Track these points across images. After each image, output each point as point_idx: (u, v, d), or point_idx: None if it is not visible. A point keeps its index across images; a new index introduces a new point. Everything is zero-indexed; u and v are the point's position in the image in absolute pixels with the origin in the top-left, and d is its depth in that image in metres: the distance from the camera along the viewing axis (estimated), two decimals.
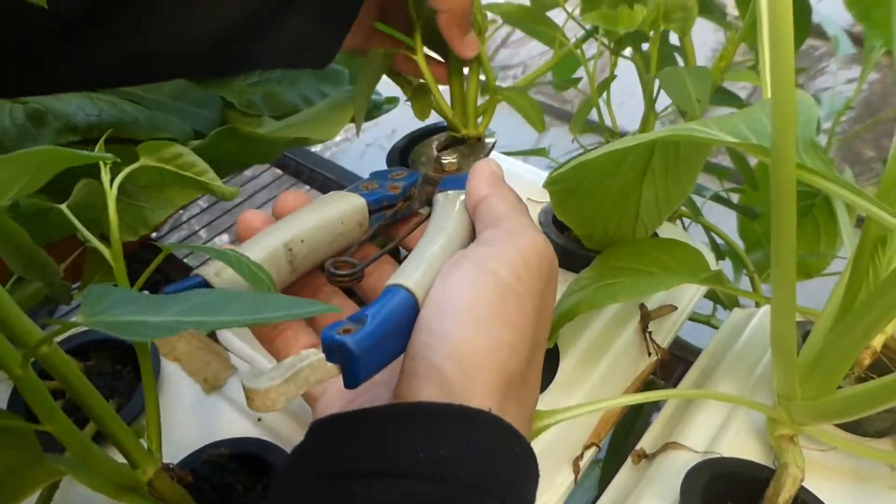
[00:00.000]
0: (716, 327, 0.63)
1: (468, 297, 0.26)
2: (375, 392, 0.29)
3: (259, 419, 0.44)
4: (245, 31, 0.41)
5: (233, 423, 0.44)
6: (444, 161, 0.42)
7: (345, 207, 0.33)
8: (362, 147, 1.87)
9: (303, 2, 0.41)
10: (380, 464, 0.23)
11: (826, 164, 0.35)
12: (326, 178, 0.81)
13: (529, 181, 0.61)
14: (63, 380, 0.27)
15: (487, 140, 0.49)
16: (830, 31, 0.78)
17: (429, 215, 0.36)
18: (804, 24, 0.51)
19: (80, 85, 0.46)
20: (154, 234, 0.81)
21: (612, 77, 0.54)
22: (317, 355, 0.25)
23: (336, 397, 0.31)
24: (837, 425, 0.42)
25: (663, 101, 0.51)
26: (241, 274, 0.30)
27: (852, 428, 0.42)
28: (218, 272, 0.29)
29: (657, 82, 0.48)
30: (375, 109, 0.73)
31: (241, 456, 0.41)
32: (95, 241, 0.31)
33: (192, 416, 0.44)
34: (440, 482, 0.22)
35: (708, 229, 0.61)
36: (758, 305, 0.51)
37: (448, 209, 0.33)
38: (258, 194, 0.92)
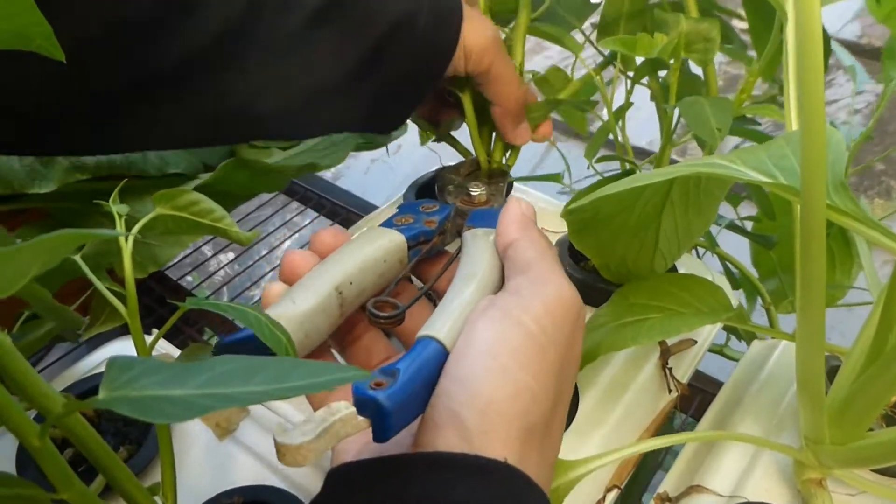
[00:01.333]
0: (731, 357, 0.62)
1: (492, 344, 0.26)
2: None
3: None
4: (319, 99, 0.41)
5: (246, 470, 0.43)
6: (472, 193, 0.41)
7: (387, 245, 0.33)
8: (367, 163, 1.86)
9: (380, 76, 0.41)
10: None
11: (856, 205, 0.34)
12: (335, 205, 0.81)
13: (543, 209, 0.60)
14: (82, 445, 0.26)
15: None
16: (847, 61, 0.78)
17: (459, 252, 0.35)
18: (825, 57, 0.50)
19: (152, 145, 0.46)
20: None
21: (629, 105, 0.53)
22: (348, 409, 0.25)
23: (354, 438, 0.30)
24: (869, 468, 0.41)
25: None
26: (261, 335, 0.29)
27: (883, 469, 0.41)
28: (278, 319, 0.29)
29: (675, 111, 0.48)
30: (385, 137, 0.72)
31: None
32: (114, 300, 0.30)
33: (205, 463, 0.43)
34: None
35: (723, 259, 0.60)
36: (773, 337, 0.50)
37: (478, 251, 0.33)
38: (272, 218, 0.92)
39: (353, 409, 0.25)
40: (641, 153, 0.64)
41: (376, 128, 0.46)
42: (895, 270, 0.35)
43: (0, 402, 0.24)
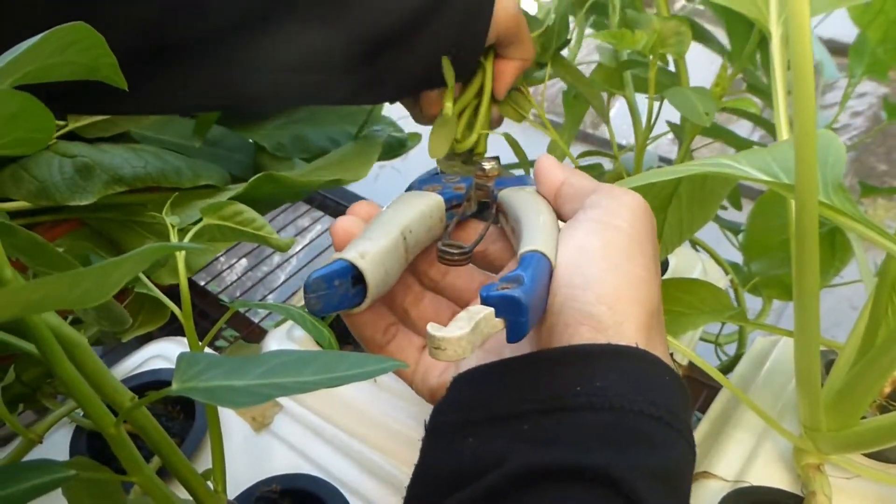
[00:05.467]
0: (720, 345, 0.66)
1: (598, 248, 0.28)
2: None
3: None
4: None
5: (282, 460, 0.46)
6: (486, 167, 0.43)
7: (430, 203, 0.34)
8: (376, 169, 1.89)
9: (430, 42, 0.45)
10: (540, 403, 0.24)
11: (853, 205, 0.37)
12: (343, 207, 0.84)
13: None
14: (148, 437, 0.30)
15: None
16: (816, 54, 0.82)
17: (497, 211, 0.36)
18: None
19: (183, 106, 0.48)
20: None
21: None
22: (487, 309, 0.25)
23: (434, 371, 0.32)
24: (863, 453, 0.44)
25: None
26: (305, 328, 0.33)
27: (877, 455, 0.43)
28: (363, 254, 0.30)
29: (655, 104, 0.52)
30: (400, 147, 0.75)
31: (293, 491, 0.43)
32: (172, 305, 0.33)
33: (243, 454, 0.46)
34: (601, 410, 0.24)
35: (695, 243, 0.65)
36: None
37: (524, 197, 0.34)
38: (278, 218, 0.96)
39: (491, 309, 0.25)
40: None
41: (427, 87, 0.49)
42: (883, 269, 0.38)
43: (83, 397, 0.27)
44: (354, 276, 0.29)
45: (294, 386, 0.26)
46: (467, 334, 0.24)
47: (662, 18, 0.51)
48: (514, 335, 0.26)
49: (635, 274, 0.27)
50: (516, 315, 0.26)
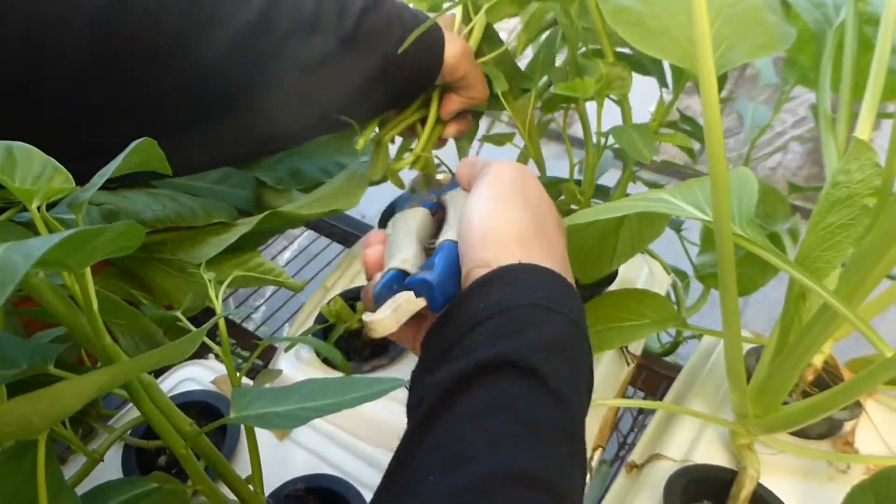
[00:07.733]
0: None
1: (475, 208, 0.37)
2: None
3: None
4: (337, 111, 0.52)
5: (303, 463, 0.54)
6: (439, 178, 0.52)
7: (422, 215, 0.44)
8: None
9: (387, 88, 0.52)
10: (464, 328, 0.33)
11: (762, 236, 0.45)
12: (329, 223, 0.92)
13: None
14: (205, 454, 0.38)
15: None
16: (758, 62, 0.90)
17: (445, 208, 0.46)
18: None
19: (218, 163, 0.57)
20: None
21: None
22: (408, 293, 0.36)
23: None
24: (788, 432, 0.52)
25: None
26: (324, 352, 0.40)
27: (800, 432, 0.52)
28: (405, 259, 0.39)
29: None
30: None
31: (316, 490, 0.51)
32: (214, 346, 0.41)
33: (270, 459, 0.54)
34: (498, 314, 0.32)
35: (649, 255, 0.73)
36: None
37: (452, 195, 0.45)
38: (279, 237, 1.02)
39: (411, 292, 0.35)
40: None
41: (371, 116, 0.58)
42: (789, 286, 0.46)
43: (161, 426, 0.35)
44: (404, 276, 0.38)
45: (323, 408, 0.34)
46: (388, 315, 0.35)
47: (608, 64, 0.58)
48: (434, 307, 0.36)
49: (503, 215, 0.36)
50: (430, 292, 0.36)
